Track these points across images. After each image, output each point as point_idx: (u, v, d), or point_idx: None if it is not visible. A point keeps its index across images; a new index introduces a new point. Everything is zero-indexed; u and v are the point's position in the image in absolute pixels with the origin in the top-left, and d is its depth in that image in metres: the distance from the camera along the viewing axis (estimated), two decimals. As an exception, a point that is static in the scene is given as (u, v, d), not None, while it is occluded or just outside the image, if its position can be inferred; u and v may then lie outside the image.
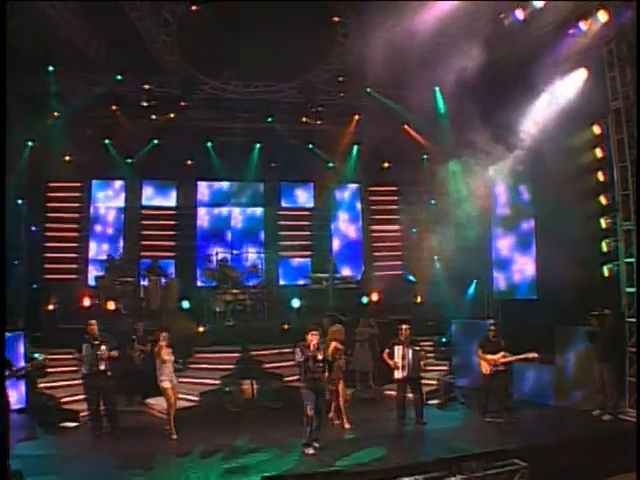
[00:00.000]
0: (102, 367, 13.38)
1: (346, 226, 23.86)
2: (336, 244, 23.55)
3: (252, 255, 21.85)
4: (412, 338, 14.67)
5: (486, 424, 14.35)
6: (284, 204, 23.46)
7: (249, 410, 15.87)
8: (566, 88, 16.21)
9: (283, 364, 17.22)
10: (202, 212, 22.98)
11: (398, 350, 14.36)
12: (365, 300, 19.68)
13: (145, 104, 18.72)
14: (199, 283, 21.73)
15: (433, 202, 22.08)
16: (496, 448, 11.98)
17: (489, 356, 14.74)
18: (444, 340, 18.62)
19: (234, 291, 19.77)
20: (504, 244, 19.37)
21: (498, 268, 19.50)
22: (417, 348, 14.51)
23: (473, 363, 16.62)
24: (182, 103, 18.89)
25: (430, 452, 12.37)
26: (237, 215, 23.14)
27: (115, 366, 13.79)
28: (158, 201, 22.71)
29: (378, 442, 12.99)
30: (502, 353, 14.67)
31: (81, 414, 14.58)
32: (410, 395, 14.50)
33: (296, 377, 16.53)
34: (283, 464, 11.89)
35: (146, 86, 18.42)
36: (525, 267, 18.85)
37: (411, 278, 22.03)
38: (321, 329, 13.14)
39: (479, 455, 11.41)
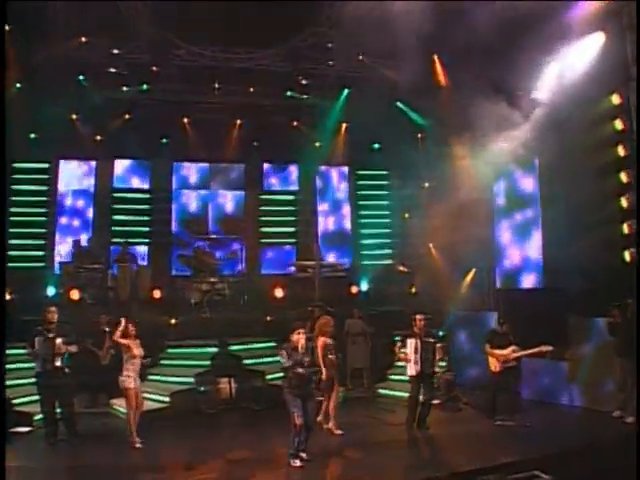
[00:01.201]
0: (58, 363, 11.27)
1: (333, 211, 21.69)
2: (322, 230, 21.39)
3: (231, 241, 19.68)
4: (426, 330, 12.56)
5: (496, 428, 12.33)
6: (266, 187, 21.32)
7: (227, 412, 13.86)
8: (581, 54, 14.25)
9: (265, 360, 15.18)
10: (178, 195, 20.79)
11: (411, 343, 12.31)
12: (355, 290, 17.66)
13: (114, 70, 16.53)
14: (174, 272, 19.53)
15: (427, 185, 20.01)
16: (514, 459, 10.08)
17: (498, 351, 12.81)
18: (441, 334, 16.51)
19: (211, 280, 17.65)
20: (507, 228, 17.39)
21: (500, 255, 17.56)
22: (432, 340, 12.39)
23: (475, 358, 15.12)
24: (155, 68, 16.75)
25: (438, 464, 10.35)
26: (216, 199, 20.97)
27: (75, 362, 11.74)
28: (130, 183, 20.53)
29: (375, 452, 10.98)
30: (512, 347, 12.75)
31: (35, 418, 12.40)
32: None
33: (280, 375, 14.89)
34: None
35: (115, 51, 16.16)
36: (530, 253, 16.91)
37: (402, 268, 20.01)
38: (310, 322, 11.21)
39: (496, 468, 9.84)
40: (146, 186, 20.59)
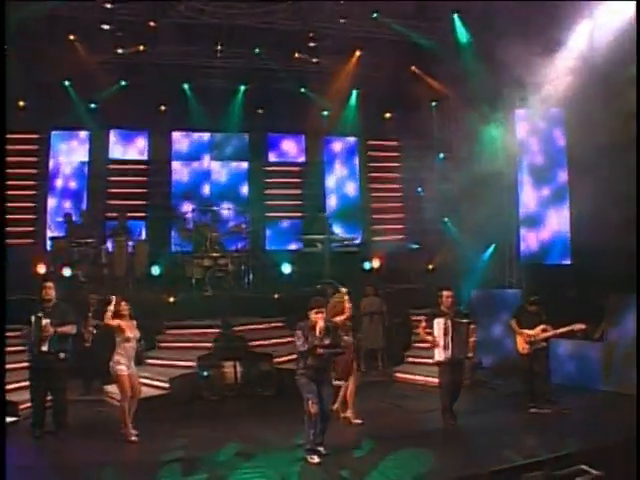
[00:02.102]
0: (44, 348, 9.82)
1: (342, 184, 20.11)
2: (330, 204, 19.83)
3: (234, 214, 18.15)
4: (456, 309, 10.99)
5: (531, 417, 10.97)
6: (272, 158, 19.71)
7: (232, 399, 12.50)
8: (613, 13, 12.81)
9: (273, 341, 13.90)
10: (177, 166, 19.20)
11: (439, 324, 10.63)
12: (368, 266, 16.21)
13: (107, 28, 14.95)
14: (173, 248, 17.99)
15: (442, 156, 18.52)
16: (559, 452, 8.75)
17: (527, 331, 11.42)
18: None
19: (214, 255, 16.06)
20: (533, 200, 15.92)
21: (524, 229, 16.10)
22: (465, 321, 10.76)
23: (498, 339, 14.01)
24: (152, 24, 15.11)
25: (475, 460, 8.94)
26: (218, 170, 19.37)
27: (66, 345, 10.22)
28: (127, 154, 18.92)
29: (401, 445, 9.52)
30: (542, 327, 11.38)
31: (21, 406, 11.02)
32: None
33: (290, 358, 13.48)
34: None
35: (108, 5, 14.55)
36: (556, 226, 15.50)
37: (413, 245, 18.54)
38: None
39: (539, 463, 8.47)
40: (143, 157, 19.00)
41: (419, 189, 19.00)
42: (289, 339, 14.22)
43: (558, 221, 15.48)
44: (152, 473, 8.52)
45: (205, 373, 12.56)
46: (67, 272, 14.93)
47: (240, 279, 16.38)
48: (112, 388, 11.89)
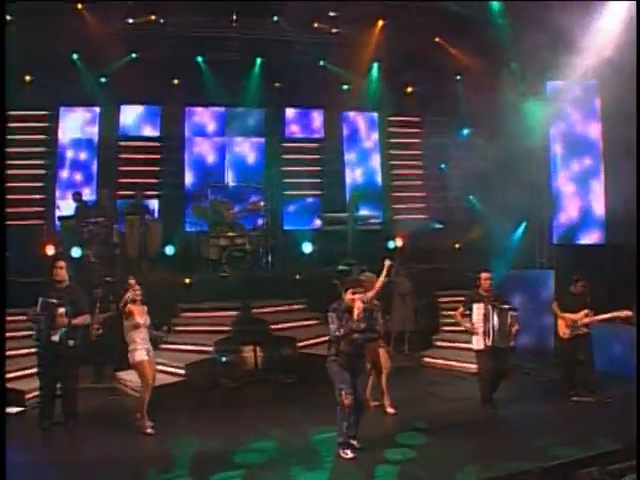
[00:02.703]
0: (55, 338, 8.85)
1: (362, 162, 18.99)
2: (350, 182, 18.74)
3: (251, 191, 17.12)
4: (495, 293, 10.06)
5: (574, 406, 10.08)
6: (289, 134, 18.64)
7: (252, 386, 11.61)
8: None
9: (295, 324, 13.03)
10: (191, 143, 18.14)
11: (479, 309, 9.77)
12: (392, 245, 15.24)
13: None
14: (187, 227, 16.90)
15: (467, 132, 17.56)
16: (612, 447, 7.97)
17: (569, 315, 10.51)
18: (493, 295, 14.20)
19: (230, 234, 15.11)
20: (565, 177, 14.93)
21: (556, 207, 15.11)
22: (507, 307, 9.83)
23: (530, 323, 12.92)
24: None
25: (522, 454, 7.99)
26: (233, 147, 18.30)
27: (82, 332, 9.28)
28: (139, 130, 17.88)
29: (441, 437, 8.75)
30: (585, 311, 10.46)
31: (28, 396, 10.16)
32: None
33: (314, 341, 12.60)
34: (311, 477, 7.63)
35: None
36: (590, 205, 14.56)
37: (437, 225, 17.53)
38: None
39: (593, 458, 7.69)
40: (156, 134, 17.95)
41: (442, 166, 18.02)
42: (311, 322, 13.60)
43: (592, 199, 14.53)
44: (170, 469, 7.68)
45: (223, 359, 11.69)
46: (77, 252, 14.01)
47: (258, 259, 15.40)
48: (125, 375, 11.13)
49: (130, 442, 8.60)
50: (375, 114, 18.96)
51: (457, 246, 16.49)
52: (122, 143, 17.66)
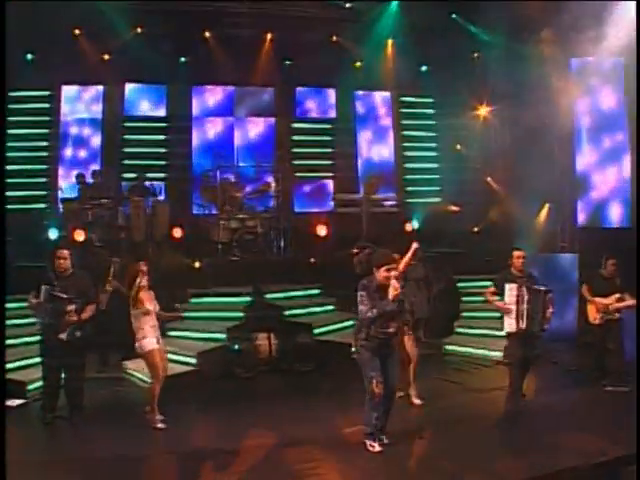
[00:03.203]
0: (63, 336, 8.13)
1: (374, 142, 18.11)
2: (362, 163, 17.88)
3: (262, 172, 16.21)
4: (528, 273, 9.28)
5: (609, 396, 9.31)
6: (300, 114, 17.72)
7: (267, 375, 10.81)
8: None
9: (312, 310, 12.24)
10: (198, 123, 17.24)
11: (511, 290, 8.92)
12: (409, 228, 14.44)
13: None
14: (195, 210, 16.13)
15: (484, 112, 16.56)
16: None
17: (600, 299, 9.82)
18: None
19: (241, 216, 14.29)
20: (591, 156, 14.03)
21: (582, 188, 14.23)
22: (542, 288, 8.97)
23: (557, 309, 11.70)
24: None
25: (562, 450, 7.27)
26: (242, 127, 17.42)
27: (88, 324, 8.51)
28: (143, 110, 16.97)
29: (473, 430, 8.06)
30: (617, 295, 9.74)
31: (29, 387, 9.42)
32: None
33: (332, 328, 11.84)
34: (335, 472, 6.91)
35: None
36: (616, 186, 13.63)
37: (452, 207, 16.70)
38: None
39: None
40: (162, 113, 17.03)
41: (458, 147, 17.14)
42: (328, 307, 12.84)
43: (619, 180, 13.65)
44: (183, 468, 6.97)
45: (236, 347, 10.89)
46: (80, 236, 13.15)
47: (271, 242, 14.56)
48: (132, 364, 10.36)
49: (139, 438, 7.84)
50: (388, 93, 18.06)
51: (475, 229, 15.65)
52: (127, 123, 16.75)
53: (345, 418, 8.26)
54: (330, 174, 17.49)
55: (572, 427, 8.00)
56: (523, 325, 8.81)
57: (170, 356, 9.78)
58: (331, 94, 17.86)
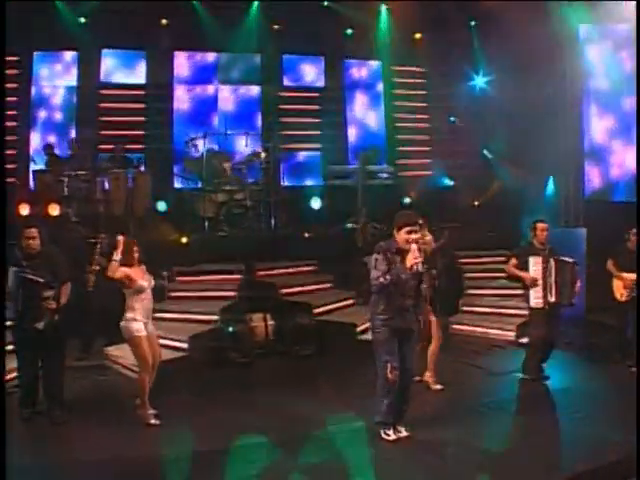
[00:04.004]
0: (40, 326, 6.88)
1: (364, 113, 16.89)
2: (352, 135, 16.69)
3: (251, 139, 14.47)
4: (550, 247, 8.53)
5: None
6: (287, 82, 16.34)
7: (264, 360, 9.54)
8: None
9: (309, 287, 11.12)
10: (180, 91, 15.80)
11: (536, 262, 8.30)
12: (408, 200, 13.35)
13: None
14: (178, 182, 14.84)
15: (481, 82, 15.59)
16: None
17: (628, 275, 8.95)
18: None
19: (228, 188, 13.02)
20: (599, 127, 13.16)
21: (590, 160, 13.43)
22: (571, 260, 8.41)
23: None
24: None
25: (596, 442, 6.38)
26: (226, 96, 16.02)
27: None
28: (122, 77, 15.44)
29: (499, 417, 7.27)
30: (644, 269, 8.97)
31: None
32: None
33: (331, 307, 10.71)
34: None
35: None
36: (624, 160, 12.79)
37: (446, 181, 15.63)
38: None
39: None
40: (141, 81, 15.55)
41: (452, 119, 16.06)
42: (325, 285, 11.68)
43: (625, 154, 12.77)
44: (185, 473, 5.80)
45: (231, 329, 9.63)
46: (55, 211, 11.90)
47: (261, 216, 13.24)
48: (116, 351, 9.13)
49: (130, 437, 6.61)
50: (379, 63, 16.78)
51: (476, 203, 14.57)
52: (103, 91, 15.21)
53: (353, 407, 7.28)
54: (318, 145, 16.12)
55: (601, 413, 7.12)
56: (552, 298, 8.25)
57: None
58: (320, 62, 16.52)
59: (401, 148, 16.56)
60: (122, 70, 15.53)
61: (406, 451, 6.24)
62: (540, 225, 8.58)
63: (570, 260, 8.43)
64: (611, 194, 12.96)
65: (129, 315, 6.95)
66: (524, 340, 10.27)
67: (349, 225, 13.05)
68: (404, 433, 6.48)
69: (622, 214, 11.90)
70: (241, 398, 7.94)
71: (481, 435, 6.60)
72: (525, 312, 10.67)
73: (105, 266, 9.03)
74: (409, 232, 6.20)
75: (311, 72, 16.52)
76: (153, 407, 6.97)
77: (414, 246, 6.16)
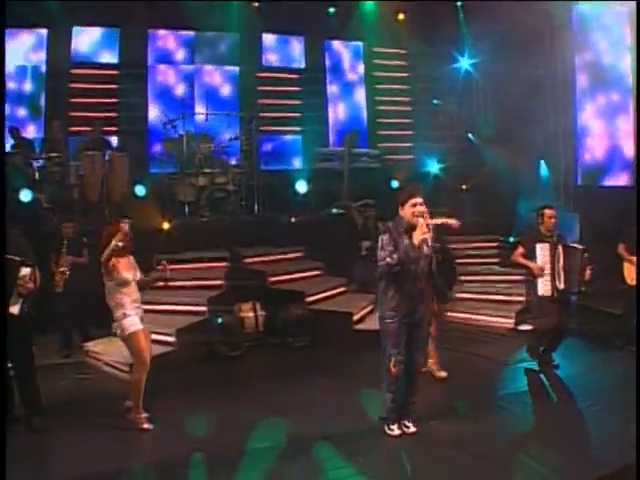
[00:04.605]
0: (15, 310, 6.01)
1: (345, 96, 16.01)
2: (333, 117, 15.80)
3: (232, 120, 13.51)
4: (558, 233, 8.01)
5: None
6: (266, 63, 15.38)
7: (256, 353, 8.82)
8: None
9: (299, 275, 10.34)
10: (155, 71, 14.78)
11: (543, 249, 7.78)
12: (396, 185, 12.61)
13: None
14: (154, 167, 13.82)
15: (468, 64, 14.73)
16: None
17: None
18: (512, 240, 11.79)
19: (209, 171, 12.04)
20: (591, 112, 12.56)
21: (581, 146, 12.80)
22: (580, 247, 7.88)
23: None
24: None
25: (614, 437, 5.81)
26: (203, 76, 15.03)
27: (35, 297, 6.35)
28: (94, 56, 14.34)
29: (513, 409, 6.70)
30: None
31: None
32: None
33: (326, 295, 10.00)
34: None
35: None
36: (617, 144, 12.17)
37: (432, 165, 14.88)
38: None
39: None
40: (114, 60, 14.46)
41: (435, 101, 15.36)
42: (314, 273, 10.83)
43: (620, 137, 12.14)
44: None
45: (220, 320, 8.84)
46: (26, 196, 10.87)
47: (244, 201, 12.30)
48: (97, 347, 8.31)
49: (122, 444, 5.82)
50: (360, 44, 15.98)
51: (464, 187, 13.85)
52: (74, 71, 14.08)
53: (353, 402, 6.78)
54: (299, 128, 15.24)
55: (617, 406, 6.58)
56: (561, 285, 7.77)
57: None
58: (301, 42, 15.63)
59: (383, 132, 15.81)
60: (94, 49, 14.42)
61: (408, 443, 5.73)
62: (548, 212, 7.97)
63: (579, 247, 7.90)
64: (604, 178, 12.39)
65: (119, 313, 6.16)
66: (524, 327, 9.83)
67: (334, 210, 12.33)
68: (412, 429, 5.97)
69: (615, 199, 11.56)
70: (235, 395, 7.23)
71: (498, 428, 6.13)
72: (519, 298, 10.50)
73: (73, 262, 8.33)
74: (414, 205, 5.71)
75: (291, 52, 15.62)
76: (145, 410, 6.20)
77: (421, 220, 5.62)
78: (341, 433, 6.00)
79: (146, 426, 6.10)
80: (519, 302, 10.29)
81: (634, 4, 10.73)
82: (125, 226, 6.43)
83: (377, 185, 12.57)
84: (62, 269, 8.22)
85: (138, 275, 6.41)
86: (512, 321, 10.06)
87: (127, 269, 6.27)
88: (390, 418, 6.01)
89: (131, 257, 6.43)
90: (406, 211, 5.76)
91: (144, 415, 6.15)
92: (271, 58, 15.49)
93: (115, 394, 6.67)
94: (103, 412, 6.49)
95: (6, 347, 5.93)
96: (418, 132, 15.65)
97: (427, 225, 5.68)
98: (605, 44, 12.21)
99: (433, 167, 14.08)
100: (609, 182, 12.27)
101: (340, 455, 5.55)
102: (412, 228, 5.69)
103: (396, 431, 5.95)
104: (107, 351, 7.96)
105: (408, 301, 5.79)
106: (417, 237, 5.63)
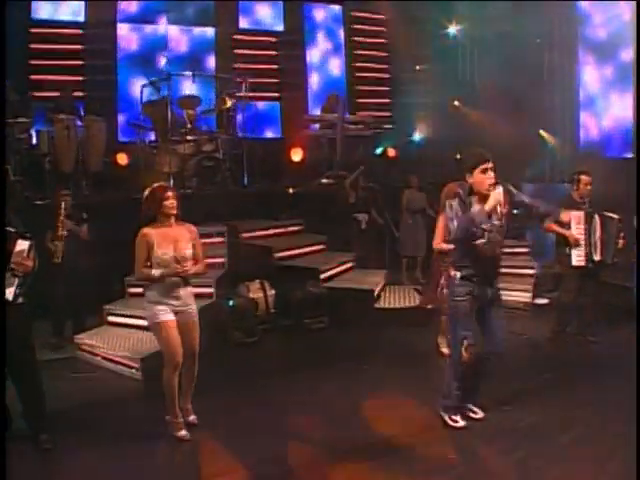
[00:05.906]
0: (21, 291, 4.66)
1: (324, 61, 14.62)
2: (313, 83, 14.42)
3: (219, 82, 12.14)
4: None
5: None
6: (243, 25, 13.80)
7: (272, 336, 7.59)
8: None
9: (307, 250, 9.12)
10: (124, 31, 13.00)
11: (578, 218, 7.09)
12: (392, 153, 11.44)
13: None
14: (130, 132, 11.89)
15: (454, 29, 13.65)
16: None
17: None
18: (515, 212, 10.80)
19: (195, 138, 10.40)
20: (591, 81, 11.65)
21: (581, 115, 11.94)
22: (616, 217, 7.07)
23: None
24: None
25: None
26: (176, 38, 13.35)
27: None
28: (56, 14, 12.50)
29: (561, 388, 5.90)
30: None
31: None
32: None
33: (336, 272, 8.91)
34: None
35: None
36: (617, 114, 11.32)
37: (414, 138, 13.75)
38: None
39: None
40: (79, 19, 12.64)
41: (417, 67, 14.16)
42: (316, 247, 9.59)
43: (620, 107, 11.28)
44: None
45: (231, 302, 7.53)
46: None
47: (234, 170, 10.67)
48: (91, 339, 6.87)
49: (163, 460, 4.57)
50: (339, 7, 14.59)
51: (458, 157, 12.73)
52: (34, 30, 12.23)
53: (393, 391, 5.75)
54: (277, 94, 13.83)
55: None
56: (597, 256, 7.11)
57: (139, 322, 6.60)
58: (278, 5, 14.08)
59: (361, 100, 14.50)
60: (57, 6, 12.59)
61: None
62: (585, 178, 7.22)
63: (615, 216, 7.13)
64: (606, 148, 11.52)
65: (149, 294, 4.86)
66: (542, 301, 9.14)
67: (324, 180, 11.05)
68: (480, 414, 5.21)
69: (612, 169, 10.73)
70: (266, 389, 5.97)
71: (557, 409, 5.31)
72: (530, 272, 9.59)
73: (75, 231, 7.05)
74: (484, 170, 4.81)
75: (269, 15, 14.04)
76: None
77: (495, 190, 4.77)
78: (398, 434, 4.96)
79: (182, 433, 4.78)
80: (530, 275, 9.47)
81: (634, 4, 10.00)
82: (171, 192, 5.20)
83: (369, 154, 11.37)
84: (61, 233, 6.69)
85: (172, 253, 5.00)
86: (529, 294, 9.16)
87: (166, 244, 4.97)
88: (453, 407, 5.11)
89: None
90: (476, 178, 4.85)
91: (181, 420, 4.84)
92: (248, 20, 13.87)
93: (120, 395, 5.44)
94: (116, 418, 5.14)
95: (5, 347, 4.54)
96: (398, 100, 14.39)
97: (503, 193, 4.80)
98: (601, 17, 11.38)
99: (423, 136, 12.98)
100: (611, 152, 11.42)
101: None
102: (484, 196, 4.79)
103: (461, 422, 5.08)
104: (104, 343, 6.57)
105: (484, 278, 4.91)
106: (490, 202, 4.75)
